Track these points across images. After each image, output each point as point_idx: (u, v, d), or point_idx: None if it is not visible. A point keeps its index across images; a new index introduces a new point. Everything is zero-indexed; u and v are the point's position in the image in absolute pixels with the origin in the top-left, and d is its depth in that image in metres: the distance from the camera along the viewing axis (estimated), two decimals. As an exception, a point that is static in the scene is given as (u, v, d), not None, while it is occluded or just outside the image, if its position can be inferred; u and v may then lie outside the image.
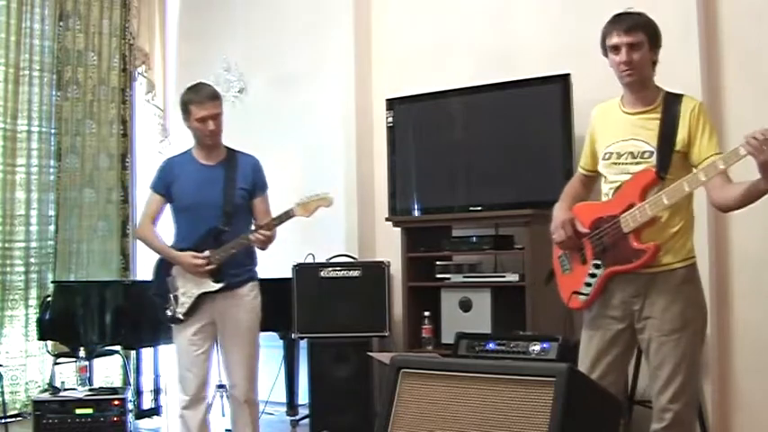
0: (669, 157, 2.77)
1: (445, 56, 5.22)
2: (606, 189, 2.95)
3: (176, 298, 3.72)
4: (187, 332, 3.73)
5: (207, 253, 3.67)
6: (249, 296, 3.79)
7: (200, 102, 3.67)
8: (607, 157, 2.93)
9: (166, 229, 3.90)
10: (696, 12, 4.21)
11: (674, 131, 2.78)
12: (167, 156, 3.96)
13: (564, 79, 4.39)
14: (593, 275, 2.90)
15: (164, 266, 3.80)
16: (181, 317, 3.71)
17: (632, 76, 2.84)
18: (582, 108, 4.35)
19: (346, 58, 5.58)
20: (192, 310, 3.70)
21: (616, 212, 2.83)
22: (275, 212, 3.74)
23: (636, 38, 2.82)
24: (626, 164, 2.87)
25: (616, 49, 2.85)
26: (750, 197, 2.66)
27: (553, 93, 4.44)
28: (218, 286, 3.68)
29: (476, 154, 4.76)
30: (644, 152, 2.83)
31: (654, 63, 2.88)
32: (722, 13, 4.26)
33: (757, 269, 4.12)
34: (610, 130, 2.95)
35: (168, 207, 3.84)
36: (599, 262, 2.89)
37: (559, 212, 3.02)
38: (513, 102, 4.63)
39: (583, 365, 2.92)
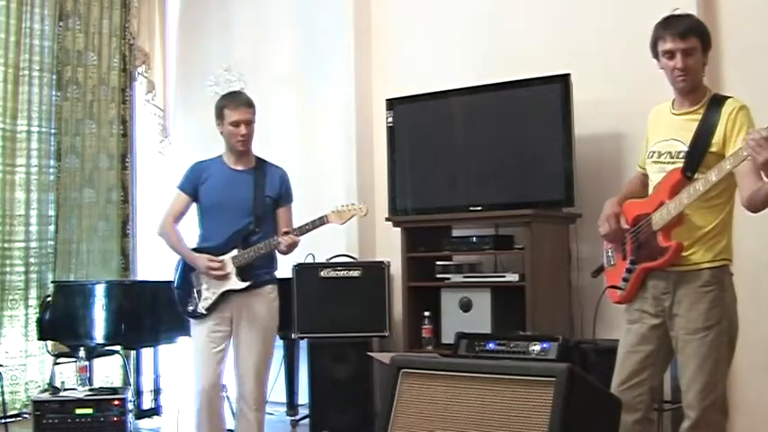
0: (700, 157, 2.77)
1: (445, 56, 5.22)
2: (650, 187, 3.00)
3: (199, 293, 3.77)
4: (206, 327, 3.76)
5: (228, 255, 3.72)
6: (270, 296, 3.84)
7: (236, 106, 3.77)
8: (650, 155, 2.98)
9: (187, 230, 3.93)
10: (696, 11, 4.20)
11: (711, 133, 2.78)
12: (198, 159, 4.00)
13: (564, 79, 4.38)
14: (629, 270, 2.95)
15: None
16: (203, 311, 3.75)
17: (686, 82, 2.85)
18: (582, 108, 4.36)
19: (346, 58, 5.57)
20: (214, 306, 3.75)
21: (650, 210, 2.88)
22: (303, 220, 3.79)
23: (690, 43, 2.82)
24: (664, 163, 2.90)
25: (670, 53, 2.84)
26: (763, 200, 2.67)
27: (553, 93, 4.43)
28: (244, 285, 3.73)
29: (476, 154, 4.76)
30: (680, 152, 2.85)
31: (704, 65, 2.88)
32: (722, 12, 4.26)
33: (757, 270, 4.11)
34: (657, 130, 2.99)
35: (194, 208, 3.88)
36: (634, 258, 2.94)
37: (608, 206, 3.05)
38: (513, 102, 4.63)
39: (618, 358, 2.96)
